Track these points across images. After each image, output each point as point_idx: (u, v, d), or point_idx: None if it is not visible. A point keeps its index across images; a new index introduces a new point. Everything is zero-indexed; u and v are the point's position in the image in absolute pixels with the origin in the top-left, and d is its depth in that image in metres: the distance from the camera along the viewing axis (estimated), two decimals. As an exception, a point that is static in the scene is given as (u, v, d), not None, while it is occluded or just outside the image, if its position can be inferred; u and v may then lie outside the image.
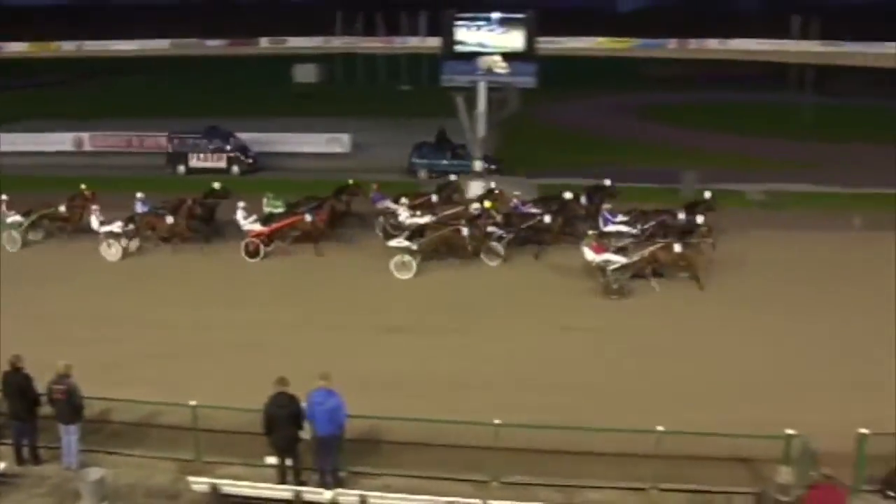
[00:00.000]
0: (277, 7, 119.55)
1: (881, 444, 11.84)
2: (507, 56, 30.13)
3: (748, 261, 22.74)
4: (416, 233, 22.54)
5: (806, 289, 20.85)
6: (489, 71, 30.15)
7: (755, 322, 18.87)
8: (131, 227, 23.85)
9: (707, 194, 24.62)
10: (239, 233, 23.95)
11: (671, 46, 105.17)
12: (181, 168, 35.73)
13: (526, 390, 15.34)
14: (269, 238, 23.65)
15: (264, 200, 25.08)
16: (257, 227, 23.70)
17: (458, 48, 30.28)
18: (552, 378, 16.02)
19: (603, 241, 21.47)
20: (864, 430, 11.92)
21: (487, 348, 17.50)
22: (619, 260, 20.51)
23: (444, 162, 34.30)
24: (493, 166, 32.33)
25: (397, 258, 21.96)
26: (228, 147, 35.94)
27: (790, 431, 11.84)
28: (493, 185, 27.22)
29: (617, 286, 20.27)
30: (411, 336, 18.05)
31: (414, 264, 21.88)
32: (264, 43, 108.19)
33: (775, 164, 37.53)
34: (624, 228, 23.08)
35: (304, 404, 11.87)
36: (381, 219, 24.91)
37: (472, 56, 30.29)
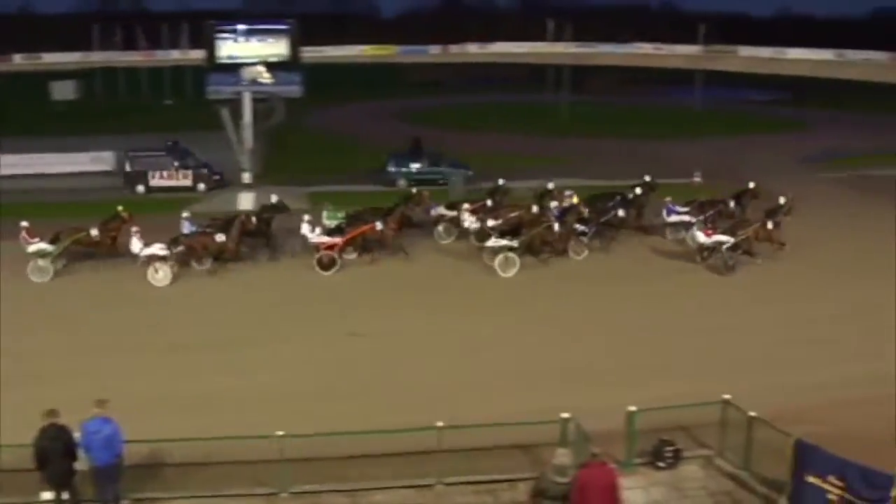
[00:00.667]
0: (30, 22, 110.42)
1: (650, 419, 12.67)
2: (272, 66, 29.78)
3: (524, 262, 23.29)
4: (508, 232, 23.12)
5: (575, 284, 22.15)
6: (253, 82, 29.67)
7: (523, 319, 19.68)
8: (180, 248, 22.23)
9: (751, 184, 26.83)
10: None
11: (434, 52, 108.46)
12: (140, 188, 33.49)
13: (315, 400, 15.28)
14: (342, 249, 23.00)
15: (324, 213, 24.55)
16: (327, 239, 23.06)
17: (221, 60, 29.57)
18: (341, 385, 16.07)
19: (711, 226, 23.83)
20: (632, 408, 12.64)
21: (276, 360, 17.31)
22: (730, 240, 22.99)
23: (421, 169, 34.24)
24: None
25: (501, 257, 22.42)
26: (193, 164, 33.92)
27: (565, 415, 12.33)
28: (551, 185, 26.93)
29: (732, 262, 22.85)
30: (195, 354, 17.47)
31: (517, 260, 22.36)
32: (18, 59, 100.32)
33: (538, 160, 39.72)
34: (686, 218, 25.25)
35: (77, 434, 11.36)
36: (440, 227, 25.53)
37: (235, 67, 29.65)
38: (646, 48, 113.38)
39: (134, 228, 22.69)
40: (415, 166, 34.42)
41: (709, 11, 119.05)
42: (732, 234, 23.37)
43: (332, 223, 24.06)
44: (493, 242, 22.87)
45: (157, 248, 21.98)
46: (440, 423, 12.10)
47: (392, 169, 34.43)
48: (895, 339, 18.06)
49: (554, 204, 25.57)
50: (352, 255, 23.48)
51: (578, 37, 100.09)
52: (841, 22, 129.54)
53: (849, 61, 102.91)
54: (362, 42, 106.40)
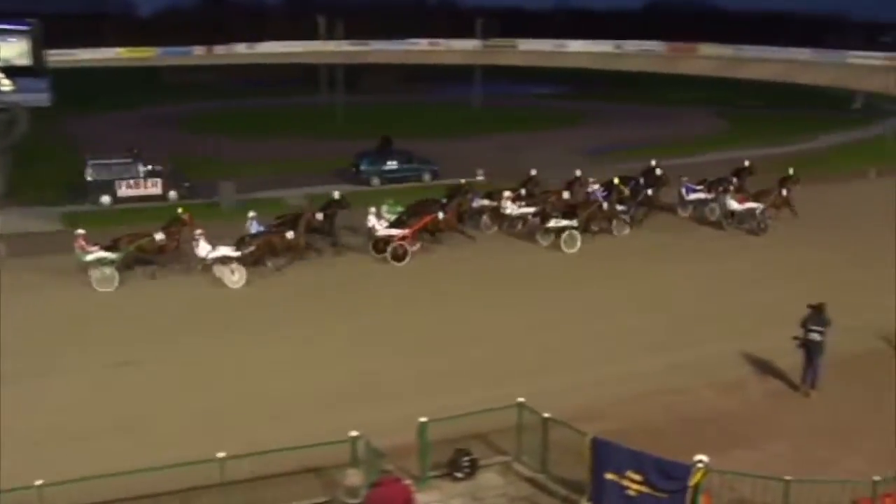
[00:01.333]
0: None
1: (445, 429, 12.96)
2: (12, 72, 27.85)
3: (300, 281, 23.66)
4: (567, 215, 26.90)
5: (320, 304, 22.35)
6: (-9, 91, 27.58)
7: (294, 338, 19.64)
8: (251, 248, 23.12)
9: (747, 163, 32.63)
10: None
11: (198, 53, 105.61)
12: (105, 198, 33.00)
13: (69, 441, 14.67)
14: (412, 239, 25.17)
15: (384, 207, 26.60)
16: (397, 231, 25.19)
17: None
18: (106, 421, 15.56)
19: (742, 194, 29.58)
20: (423, 419, 12.81)
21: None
22: (760, 205, 28.78)
23: (395, 168, 37.09)
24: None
25: (566, 234, 26.29)
26: (161, 170, 33.97)
27: (353, 433, 12.39)
28: (578, 172, 30.79)
29: (764, 225, 28.64)
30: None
31: (579, 237, 26.36)
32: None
33: (312, 164, 39.82)
34: (700, 196, 30.61)
35: None
36: (484, 217, 28.48)
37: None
38: (422, 44, 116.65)
39: (198, 231, 23.36)
40: (391, 164, 37.20)
41: (487, 5, 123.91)
42: (757, 201, 29.10)
43: (391, 216, 26.14)
44: (554, 223, 26.59)
45: (227, 250, 22.86)
46: (221, 454, 11.81)
47: (365, 168, 36.92)
48: (695, 329, 19.92)
49: (596, 186, 29.42)
50: (415, 247, 25.50)
51: (351, 34, 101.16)
52: (618, 14, 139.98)
53: (627, 53, 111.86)
54: (118, 44, 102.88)
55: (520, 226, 28.14)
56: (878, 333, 19.58)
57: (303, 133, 50.07)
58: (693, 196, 30.82)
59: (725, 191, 30.20)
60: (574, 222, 26.59)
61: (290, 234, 23.95)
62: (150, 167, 33.95)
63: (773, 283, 23.73)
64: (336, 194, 26.50)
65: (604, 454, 12.00)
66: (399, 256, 24.82)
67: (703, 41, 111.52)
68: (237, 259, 22.88)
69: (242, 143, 46.04)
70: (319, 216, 25.19)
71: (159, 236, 23.84)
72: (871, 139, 50.77)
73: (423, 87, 78.11)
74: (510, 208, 28.17)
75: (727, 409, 16.15)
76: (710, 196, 30.52)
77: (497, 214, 28.40)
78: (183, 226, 24.20)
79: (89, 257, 22.89)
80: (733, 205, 29.14)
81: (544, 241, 26.73)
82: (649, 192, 30.15)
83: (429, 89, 77.17)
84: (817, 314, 16.53)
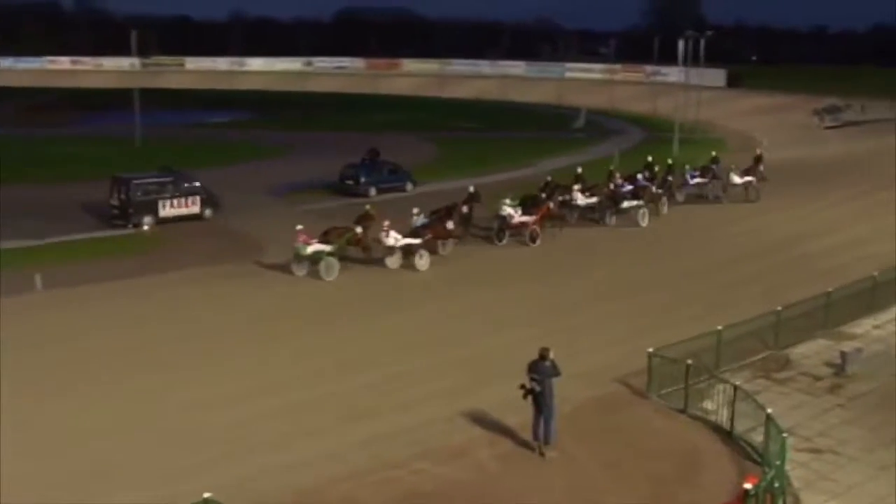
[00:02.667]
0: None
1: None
2: None
3: None
4: (635, 196, 38.81)
5: None
6: None
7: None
8: (428, 236, 31.36)
9: (713, 153, 47.52)
10: None
11: None
12: (148, 219, 37.24)
13: None
14: (540, 224, 34.94)
15: (507, 202, 34.92)
16: (530, 218, 34.56)
17: None
18: None
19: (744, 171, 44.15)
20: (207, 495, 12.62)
21: None
22: (753, 179, 43.55)
23: (387, 178, 46.01)
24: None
25: (641, 211, 38.29)
26: (199, 187, 38.99)
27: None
28: (612, 166, 43.55)
29: (757, 194, 43.09)
30: None
31: (647, 213, 38.64)
32: None
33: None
34: (700, 180, 43.54)
35: None
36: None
37: None
38: (62, 62, 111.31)
39: (386, 223, 30.66)
40: (384, 175, 46.03)
41: (143, 14, 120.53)
42: (748, 175, 43.52)
43: (511, 209, 34.75)
44: (627, 203, 38.40)
45: (410, 240, 30.84)
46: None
47: (365, 180, 45.15)
48: (408, 389, 20.32)
49: (640, 176, 41.31)
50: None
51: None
52: (307, 25, 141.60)
53: (319, 71, 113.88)
54: None
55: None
56: (615, 375, 20.88)
57: None
58: (695, 181, 43.55)
59: (713, 176, 44.21)
60: (640, 202, 38.82)
61: (450, 224, 32.62)
62: (189, 184, 38.87)
63: (502, 328, 24.68)
64: (472, 188, 36.84)
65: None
66: (533, 238, 34.64)
67: (407, 56, 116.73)
68: (420, 246, 30.92)
69: None
70: (465, 209, 35.10)
71: (359, 230, 30.95)
72: (597, 162, 55.35)
73: (62, 118, 74.55)
74: (580, 199, 38.52)
75: (453, 481, 16.28)
76: (706, 181, 43.87)
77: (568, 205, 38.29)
78: (371, 219, 31.44)
79: (309, 250, 29.73)
80: (735, 178, 43.51)
81: (610, 221, 38.03)
82: (669, 177, 42.80)
83: (74, 119, 73.82)
84: (539, 361, 17.14)
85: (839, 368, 21.60)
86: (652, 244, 35.52)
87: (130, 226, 36.86)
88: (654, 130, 70.02)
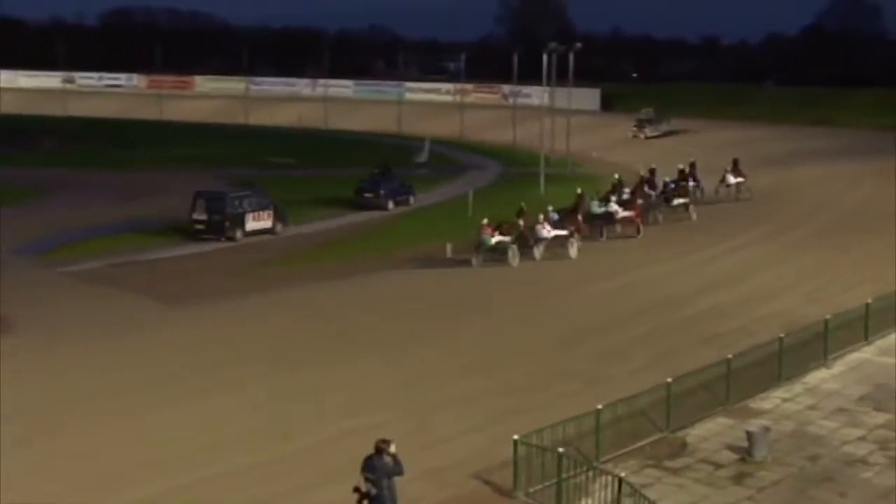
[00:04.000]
0: None
1: None
2: None
3: None
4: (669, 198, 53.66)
5: None
6: None
7: None
8: (572, 228, 44.38)
9: (691, 160, 59.23)
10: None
11: None
12: (238, 233, 47.56)
13: None
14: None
15: (595, 203, 48.71)
16: (627, 213, 48.62)
17: None
18: None
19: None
20: None
21: None
22: (743, 178, 59.01)
23: (399, 191, 58.61)
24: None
25: (692, 206, 53.50)
26: (272, 202, 49.76)
27: None
28: (642, 171, 56.40)
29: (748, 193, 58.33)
30: None
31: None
32: None
33: None
34: (559, 232, 45.22)
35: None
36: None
37: None
38: None
39: (541, 216, 43.42)
40: (397, 188, 58.45)
41: None
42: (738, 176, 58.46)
43: (601, 208, 48.18)
44: (676, 202, 53.00)
45: (561, 231, 43.56)
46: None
47: (385, 193, 57.08)
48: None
49: (667, 178, 54.97)
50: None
51: None
52: (66, 30, 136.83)
53: (84, 88, 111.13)
54: None
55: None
56: (474, 469, 21.09)
57: None
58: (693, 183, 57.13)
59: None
60: (687, 199, 53.67)
61: (579, 218, 45.92)
62: (265, 199, 49.18)
63: (330, 418, 24.61)
64: (579, 190, 49.05)
65: None
66: (638, 230, 48.10)
67: (202, 72, 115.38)
68: (570, 236, 43.62)
69: None
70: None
71: (521, 223, 42.86)
72: (446, 204, 56.12)
73: None
74: (617, 211, 48.93)
75: None
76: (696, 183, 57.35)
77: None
78: (524, 214, 43.71)
79: (493, 240, 41.68)
80: (731, 179, 58.01)
81: (657, 216, 51.59)
82: (691, 183, 56.55)
83: None
84: (376, 455, 16.83)
85: (745, 453, 21.97)
86: (521, 298, 36.44)
87: (223, 239, 46.44)
88: (516, 164, 71.39)
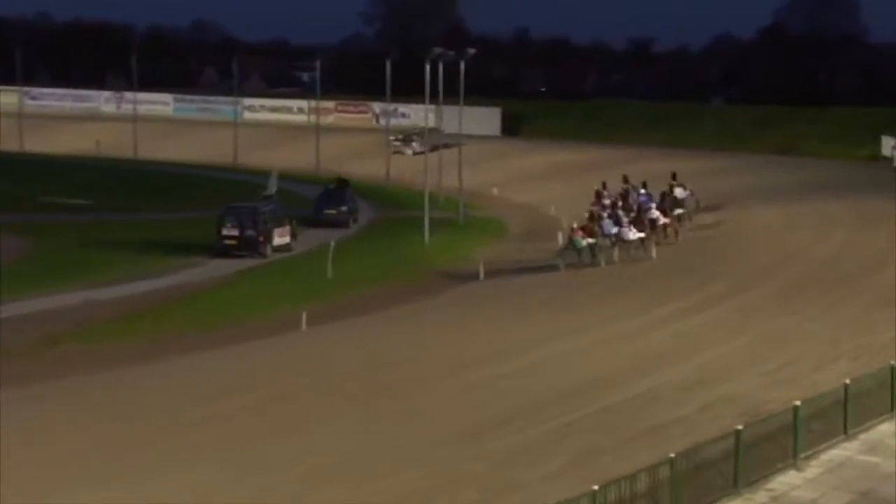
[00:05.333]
0: None
1: None
2: None
3: None
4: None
5: None
6: None
7: None
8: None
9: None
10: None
11: None
12: (268, 249, 59.77)
13: None
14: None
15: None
16: (666, 219, 63.69)
17: None
18: None
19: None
20: None
21: None
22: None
23: (356, 206, 73.18)
24: None
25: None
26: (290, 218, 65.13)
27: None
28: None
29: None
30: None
31: None
32: None
33: None
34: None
35: None
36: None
37: None
38: None
39: (625, 220, 58.87)
40: (355, 204, 71.91)
41: None
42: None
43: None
44: (678, 211, 66.94)
45: (641, 234, 60.08)
46: None
47: (347, 209, 69.68)
48: None
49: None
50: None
51: None
52: None
53: None
54: None
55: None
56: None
57: None
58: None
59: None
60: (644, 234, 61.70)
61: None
62: (285, 213, 62.72)
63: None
64: (674, 174, 68.24)
65: None
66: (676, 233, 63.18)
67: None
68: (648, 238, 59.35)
69: None
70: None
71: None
72: (297, 259, 56.17)
73: None
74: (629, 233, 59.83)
75: None
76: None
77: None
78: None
79: (584, 243, 55.09)
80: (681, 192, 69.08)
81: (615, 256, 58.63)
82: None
83: None
84: None
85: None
86: (396, 384, 36.15)
87: (257, 255, 57.99)
88: (391, 206, 71.80)
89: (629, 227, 59.00)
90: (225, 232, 57.89)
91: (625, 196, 65.30)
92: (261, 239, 58.26)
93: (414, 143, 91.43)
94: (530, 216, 68.72)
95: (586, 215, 58.92)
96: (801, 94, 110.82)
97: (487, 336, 42.21)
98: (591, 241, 55.52)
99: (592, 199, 63.95)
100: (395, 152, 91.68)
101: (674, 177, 68.69)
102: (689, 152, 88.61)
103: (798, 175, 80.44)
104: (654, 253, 57.88)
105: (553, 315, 45.22)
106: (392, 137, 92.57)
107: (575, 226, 56.13)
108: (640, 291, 49.27)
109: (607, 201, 63.65)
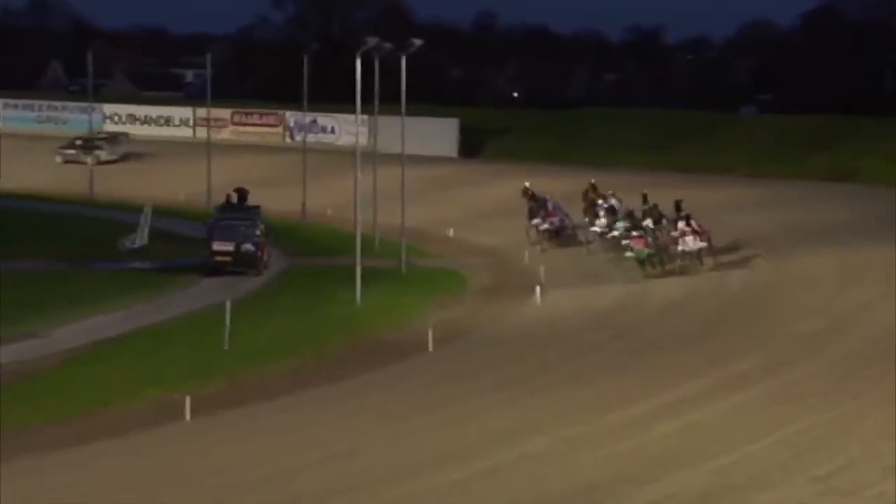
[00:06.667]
0: None
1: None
2: None
3: None
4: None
5: None
6: None
7: None
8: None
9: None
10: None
11: None
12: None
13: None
14: None
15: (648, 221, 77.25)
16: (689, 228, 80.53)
17: None
18: None
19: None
20: None
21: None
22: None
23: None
24: None
25: None
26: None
27: None
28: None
29: None
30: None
31: None
32: None
33: None
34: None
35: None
36: None
37: None
38: None
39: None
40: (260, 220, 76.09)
41: None
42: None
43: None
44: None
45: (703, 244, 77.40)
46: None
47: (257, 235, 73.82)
48: None
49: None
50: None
51: None
52: None
53: None
54: None
55: None
56: None
57: None
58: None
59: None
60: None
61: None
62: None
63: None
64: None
65: None
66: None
67: None
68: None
69: None
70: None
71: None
72: (181, 323, 56.14)
73: None
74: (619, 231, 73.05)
75: None
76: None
77: None
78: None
79: (646, 252, 70.82)
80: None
81: None
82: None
83: None
84: None
85: None
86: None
87: (253, 272, 65.83)
88: (310, 252, 72.21)
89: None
90: (216, 247, 64.55)
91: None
92: (259, 254, 65.08)
93: (101, 151, 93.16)
94: (497, 265, 68.92)
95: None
96: (859, 100, 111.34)
97: (436, 430, 41.40)
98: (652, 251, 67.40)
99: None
100: (68, 161, 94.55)
101: (678, 206, 72.77)
102: (710, 178, 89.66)
103: (856, 208, 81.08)
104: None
105: (524, 398, 44.33)
106: (73, 142, 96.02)
107: (636, 233, 69.12)
108: (639, 367, 48.76)
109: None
